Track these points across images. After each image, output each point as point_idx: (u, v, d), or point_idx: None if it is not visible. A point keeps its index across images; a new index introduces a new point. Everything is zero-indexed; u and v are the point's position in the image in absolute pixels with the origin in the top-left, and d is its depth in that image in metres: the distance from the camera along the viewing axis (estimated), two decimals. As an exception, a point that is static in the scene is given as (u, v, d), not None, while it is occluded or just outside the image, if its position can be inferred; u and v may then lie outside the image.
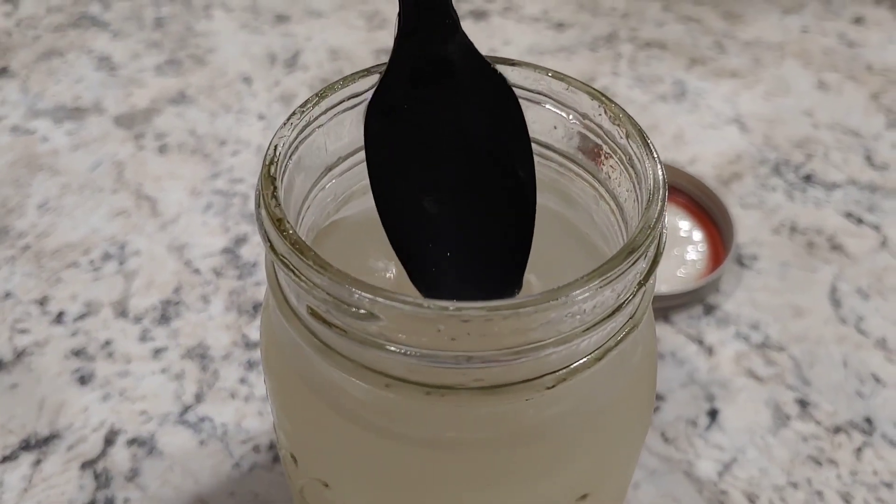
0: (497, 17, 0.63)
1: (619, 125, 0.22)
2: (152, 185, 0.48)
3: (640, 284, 0.20)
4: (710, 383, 0.39)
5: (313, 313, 0.19)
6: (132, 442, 0.36)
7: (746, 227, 0.46)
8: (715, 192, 0.45)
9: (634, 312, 0.20)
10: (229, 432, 0.36)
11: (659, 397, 0.38)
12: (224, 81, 0.55)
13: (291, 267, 0.19)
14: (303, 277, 0.19)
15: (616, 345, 0.20)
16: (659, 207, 0.20)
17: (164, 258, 0.43)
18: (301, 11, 0.62)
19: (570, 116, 0.24)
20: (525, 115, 0.24)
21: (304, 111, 0.22)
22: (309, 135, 0.23)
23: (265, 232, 0.20)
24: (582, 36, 0.61)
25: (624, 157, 0.22)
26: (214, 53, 0.58)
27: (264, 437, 0.36)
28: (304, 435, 0.23)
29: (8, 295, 0.41)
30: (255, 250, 0.44)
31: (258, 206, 0.20)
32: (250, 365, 0.38)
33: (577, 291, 0.18)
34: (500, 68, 0.24)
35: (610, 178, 0.23)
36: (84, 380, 0.38)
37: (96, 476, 0.34)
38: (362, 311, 0.18)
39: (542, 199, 0.24)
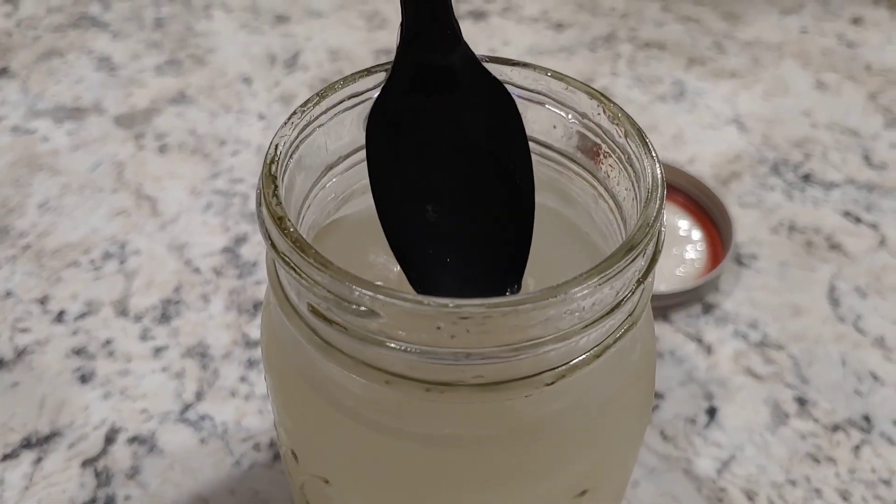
0: (496, 17, 0.63)
1: (617, 124, 0.22)
2: (152, 184, 0.48)
3: (639, 282, 0.20)
4: (708, 382, 0.39)
5: (314, 311, 0.20)
6: (133, 440, 0.36)
7: (745, 226, 0.46)
8: (714, 192, 0.46)
9: (633, 310, 0.21)
10: (229, 430, 0.36)
11: (658, 396, 0.38)
12: (224, 81, 0.56)
13: (292, 265, 0.19)
14: (303, 275, 0.19)
15: (615, 342, 0.20)
16: (657, 205, 0.20)
17: (164, 257, 0.44)
18: (301, 11, 0.62)
19: (570, 116, 0.24)
20: (525, 114, 0.24)
21: (304, 111, 0.22)
22: (310, 134, 0.23)
23: (266, 230, 0.20)
24: (581, 36, 0.61)
25: (623, 156, 0.22)
26: (214, 53, 0.58)
27: (264, 436, 0.36)
28: (304, 432, 0.24)
29: (9, 294, 0.42)
30: (255, 250, 0.44)
31: (259, 204, 0.20)
32: (250, 363, 0.39)
33: (576, 288, 0.18)
34: (500, 67, 0.24)
35: (609, 176, 0.23)
36: (85, 378, 0.38)
37: (97, 474, 0.35)
38: (363, 308, 0.18)
39: (542, 198, 0.24)
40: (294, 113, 0.22)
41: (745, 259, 0.45)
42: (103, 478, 0.34)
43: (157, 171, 0.49)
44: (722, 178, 0.50)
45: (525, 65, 0.24)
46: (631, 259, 0.19)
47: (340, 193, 0.25)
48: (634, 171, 0.22)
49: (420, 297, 0.18)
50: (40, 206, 0.46)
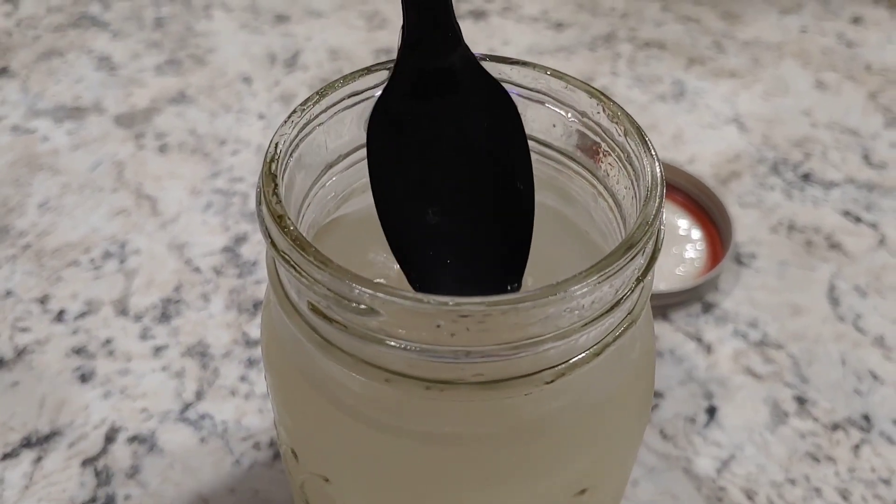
0: (496, 17, 0.63)
1: (617, 123, 0.23)
2: (152, 184, 0.48)
3: (639, 280, 0.20)
4: (708, 381, 0.39)
5: (314, 309, 0.20)
6: (133, 439, 0.36)
7: (745, 225, 0.46)
8: (713, 191, 0.46)
9: (633, 308, 0.21)
10: (229, 430, 0.36)
11: (657, 395, 0.38)
12: (224, 81, 0.56)
13: (292, 263, 0.19)
14: (303, 273, 0.19)
15: (614, 340, 0.20)
16: (657, 204, 0.20)
17: (164, 257, 0.44)
18: (301, 11, 0.62)
19: (569, 114, 0.24)
20: (524, 113, 0.24)
21: (304, 109, 0.22)
22: (310, 133, 0.23)
23: (266, 228, 0.20)
24: (581, 36, 0.61)
25: (622, 155, 0.22)
26: (214, 53, 0.58)
27: (264, 435, 0.36)
28: (304, 430, 0.24)
29: (9, 293, 0.42)
30: (254, 249, 0.44)
31: (259, 202, 0.20)
32: (250, 363, 0.39)
33: (576, 287, 0.18)
34: (500, 66, 0.24)
35: (608, 175, 0.23)
36: (85, 378, 0.38)
37: (97, 473, 0.35)
38: (362, 306, 0.18)
39: (541, 197, 0.24)
40: (294, 111, 0.22)
41: (745, 258, 0.45)
42: (103, 477, 0.34)
43: (157, 170, 0.49)
44: (721, 178, 0.50)
45: (525, 63, 0.24)
46: (630, 257, 0.19)
47: (340, 192, 0.25)
48: (634, 170, 0.22)
49: (420, 295, 0.18)
50: (40, 206, 0.46)
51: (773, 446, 0.36)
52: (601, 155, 0.23)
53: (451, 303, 0.18)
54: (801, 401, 0.38)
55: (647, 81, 0.57)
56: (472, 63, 0.23)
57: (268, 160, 0.21)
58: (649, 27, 0.62)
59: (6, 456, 0.35)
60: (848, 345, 0.41)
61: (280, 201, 0.20)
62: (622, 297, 0.20)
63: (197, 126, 0.52)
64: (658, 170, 0.21)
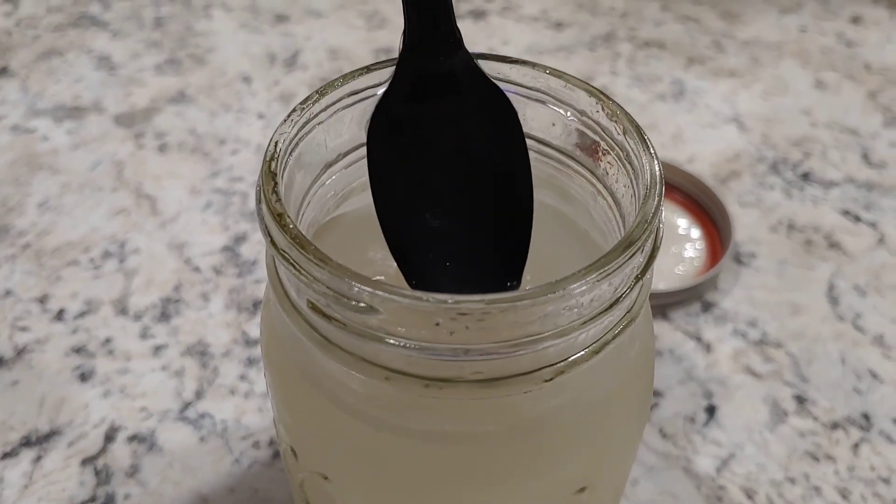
0: (496, 16, 0.63)
1: (616, 121, 0.23)
2: (152, 183, 0.48)
3: (638, 278, 0.20)
4: (708, 380, 0.39)
5: (313, 307, 0.20)
6: (132, 438, 0.36)
7: (744, 224, 0.46)
8: (713, 191, 0.46)
9: (632, 306, 0.21)
10: (229, 429, 0.36)
11: (657, 394, 0.38)
12: (224, 81, 0.56)
13: (292, 261, 0.19)
14: (303, 271, 0.19)
15: (614, 338, 0.20)
16: (656, 202, 0.20)
17: (163, 256, 0.44)
18: (300, 11, 0.62)
19: (568, 113, 0.24)
20: (523, 112, 0.24)
21: (304, 108, 0.22)
22: (309, 131, 0.23)
23: (266, 227, 0.20)
24: (580, 35, 0.61)
25: (621, 153, 0.22)
26: (214, 53, 0.58)
27: (264, 434, 0.36)
28: (303, 428, 0.24)
29: (8, 293, 0.42)
30: (254, 248, 0.44)
31: (259, 201, 0.20)
32: (250, 362, 0.39)
33: (575, 285, 0.18)
34: (499, 65, 0.24)
35: (607, 174, 0.23)
36: (84, 377, 0.38)
37: (97, 472, 0.35)
38: (362, 304, 0.18)
39: (540, 196, 0.24)
40: (294, 110, 0.22)
41: (745, 257, 0.45)
42: (103, 476, 0.34)
43: (157, 170, 0.49)
44: (721, 177, 0.50)
45: (524, 62, 0.24)
46: (629, 255, 0.19)
47: (340, 191, 0.25)
48: (633, 168, 0.22)
49: (419, 293, 0.18)
50: (40, 205, 0.46)
51: (773, 445, 0.36)
52: (600, 153, 0.24)
53: (450, 301, 0.18)
54: (800, 400, 0.38)
55: (646, 81, 0.57)
56: (471, 66, 0.23)
57: (267, 159, 0.21)
58: (649, 27, 0.62)
59: (6, 455, 0.35)
60: (847, 344, 0.41)
61: (280, 200, 0.20)
62: (621, 296, 0.20)
63: (196, 126, 0.52)
64: (657, 168, 0.21)
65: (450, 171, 0.24)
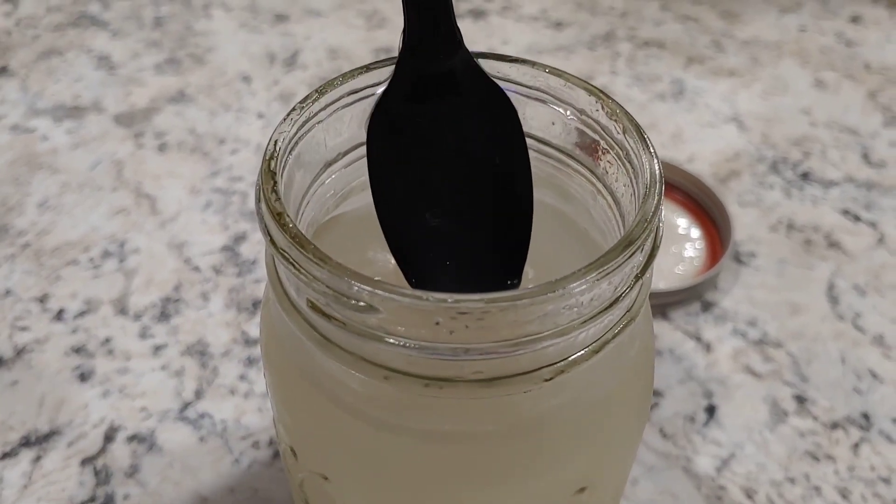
0: (496, 16, 0.63)
1: (616, 120, 0.23)
2: (152, 183, 0.48)
3: (637, 277, 0.20)
4: (707, 380, 0.39)
5: (313, 306, 0.20)
6: (132, 438, 0.36)
7: (744, 224, 0.46)
8: (713, 190, 0.46)
9: (632, 306, 0.21)
10: (229, 429, 0.36)
11: (657, 394, 0.38)
12: (223, 80, 0.56)
13: (291, 260, 0.19)
14: (302, 270, 0.19)
15: (614, 337, 0.20)
16: (656, 201, 0.20)
17: (163, 256, 0.44)
18: (300, 11, 0.62)
19: (568, 112, 0.24)
20: (523, 111, 0.24)
21: (303, 107, 0.22)
22: (309, 130, 0.23)
23: (265, 226, 0.20)
24: (580, 35, 0.61)
25: (621, 152, 0.22)
26: (214, 52, 0.58)
27: (264, 434, 0.36)
28: (303, 428, 0.24)
29: (8, 293, 0.42)
30: (254, 248, 0.44)
31: (258, 200, 0.20)
32: (250, 362, 0.39)
33: (575, 284, 0.18)
34: (499, 64, 0.24)
35: (607, 173, 0.23)
36: (84, 377, 0.38)
37: (96, 472, 0.35)
38: (361, 303, 0.18)
39: (540, 195, 0.24)
40: (293, 109, 0.22)
41: (744, 257, 0.45)
42: (102, 476, 0.34)
43: (157, 169, 0.49)
44: (721, 177, 0.50)
45: (524, 61, 0.24)
46: (629, 254, 0.19)
47: (339, 190, 0.25)
48: (633, 167, 0.22)
49: (419, 292, 0.18)
50: (40, 205, 0.46)
51: (773, 445, 0.36)
52: (600, 152, 0.24)
53: (449, 300, 0.18)
54: (800, 399, 0.38)
55: (646, 80, 0.57)
56: (471, 65, 0.23)
57: (267, 157, 0.21)
58: (648, 26, 0.62)
59: (5, 455, 0.35)
60: (847, 343, 0.41)
61: (279, 198, 0.20)
62: (621, 295, 0.20)
63: (196, 125, 0.52)
64: (657, 167, 0.21)
65: (450, 171, 0.24)
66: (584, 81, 0.23)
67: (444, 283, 0.23)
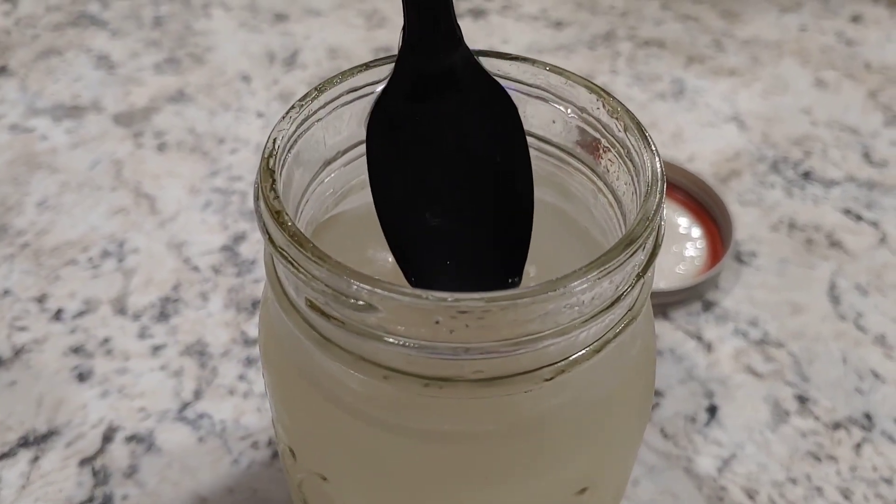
0: (496, 15, 0.63)
1: (617, 118, 0.22)
2: (151, 183, 0.48)
3: (639, 276, 0.20)
4: (709, 380, 0.39)
5: (312, 306, 0.19)
6: (131, 439, 0.35)
7: (745, 224, 0.46)
8: (714, 190, 0.45)
9: (633, 305, 0.21)
10: (228, 429, 0.36)
11: (658, 394, 0.38)
12: (223, 80, 0.55)
13: (290, 259, 0.19)
14: (301, 269, 0.19)
15: (615, 337, 0.20)
16: (657, 199, 0.20)
17: (162, 256, 0.43)
18: (300, 10, 0.62)
19: (569, 110, 0.24)
20: (524, 109, 0.24)
21: (303, 105, 0.22)
22: (308, 129, 0.23)
23: (264, 225, 0.20)
24: (580, 34, 0.61)
25: (622, 151, 0.22)
26: (213, 52, 0.58)
27: (263, 434, 0.36)
28: (302, 428, 0.23)
29: (7, 292, 0.41)
30: (253, 248, 0.44)
31: (257, 199, 0.20)
32: (249, 362, 0.38)
33: (576, 283, 0.18)
34: (499, 62, 0.24)
35: (608, 171, 0.23)
36: (83, 377, 0.38)
37: (95, 473, 0.34)
38: (361, 302, 0.18)
39: (541, 194, 0.24)
40: (292, 107, 0.22)
41: (745, 257, 0.44)
42: (101, 476, 0.34)
43: (156, 169, 0.49)
44: (722, 176, 0.49)
45: (524, 59, 0.24)
46: (630, 253, 0.19)
47: (339, 189, 0.25)
48: (634, 166, 0.22)
49: (418, 291, 0.18)
50: (39, 205, 0.46)
51: (774, 445, 0.36)
52: (601, 151, 0.23)
53: (449, 299, 0.18)
54: (802, 399, 0.38)
55: (646, 80, 0.57)
56: (472, 63, 0.23)
57: (266, 156, 0.21)
58: (649, 26, 0.62)
59: (3, 455, 0.35)
60: (849, 343, 0.40)
61: (278, 197, 0.20)
62: (622, 294, 0.20)
63: (196, 125, 0.52)
64: (658, 165, 0.21)
65: (450, 169, 0.23)
66: (585, 79, 0.23)
67: (444, 281, 0.22)
